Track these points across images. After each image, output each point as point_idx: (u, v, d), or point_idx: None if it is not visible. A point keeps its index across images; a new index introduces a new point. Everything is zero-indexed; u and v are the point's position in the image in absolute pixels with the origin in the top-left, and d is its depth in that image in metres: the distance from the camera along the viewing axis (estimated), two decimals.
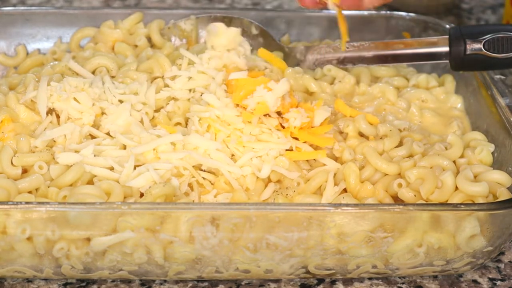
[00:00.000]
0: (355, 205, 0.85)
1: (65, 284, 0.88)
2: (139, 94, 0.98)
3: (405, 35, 1.15)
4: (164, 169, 0.88)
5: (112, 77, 1.03)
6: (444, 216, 0.83)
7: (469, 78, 1.06)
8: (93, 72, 1.04)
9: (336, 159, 0.94)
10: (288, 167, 0.92)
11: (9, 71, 1.12)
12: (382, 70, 1.10)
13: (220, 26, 1.01)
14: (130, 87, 0.99)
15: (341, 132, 0.97)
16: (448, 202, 0.87)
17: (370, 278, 0.89)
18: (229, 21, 1.11)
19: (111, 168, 0.89)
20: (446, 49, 1.01)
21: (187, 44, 1.14)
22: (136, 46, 1.13)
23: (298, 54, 1.10)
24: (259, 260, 0.84)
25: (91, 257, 0.83)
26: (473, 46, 0.97)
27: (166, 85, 1.01)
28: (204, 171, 0.91)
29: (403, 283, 0.89)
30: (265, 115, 0.94)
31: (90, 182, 0.88)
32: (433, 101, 1.05)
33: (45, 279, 0.88)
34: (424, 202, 0.88)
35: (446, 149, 0.94)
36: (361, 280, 0.89)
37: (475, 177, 0.90)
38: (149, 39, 1.14)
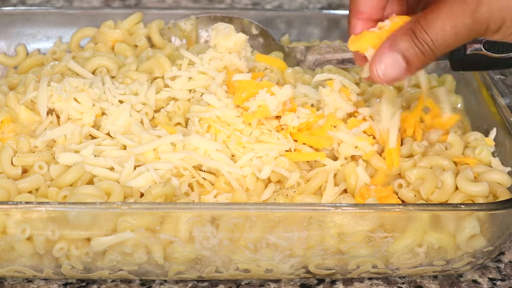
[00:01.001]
0: (355, 205, 0.86)
1: (65, 284, 0.88)
2: (139, 94, 0.98)
3: None
4: (164, 169, 0.88)
5: (112, 77, 1.03)
6: (444, 216, 0.83)
7: (469, 78, 1.06)
8: (93, 72, 1.04)
9: (335, 159, 0.94)
10: (288, 167, 0.92)
11: (9, 71, 1.12)
12: None
13: (231, 28, 1.00)
14: (130, 88, 0.99)
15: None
16: (448, 202, 0.87)
17: (370, 278, 0.89)
18: (229, 21, 1.11)
19: (111, 168, 0.89)
20: None
21: (187, 44, 1.14)
22: (136, 46, 1.13)
23: (298, 54, 1.10)
24: (259, 260, 0.84)
25: (91, 257, 0.83)
26: (473, 46, 0.97)
27: (166, 86, 1.01)
28: (204, 171, 0.91)
29: (403, 283, 0.89)
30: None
31: (90, 182, 0.88)
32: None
33: (45, 279, 0.88)
34: (424, 202, 0.88)
35: (446, 149, 0.94)
36: (361, 280, 0.89)
37: (475, 177, 0.90)
38: (149, 39, 1.14)
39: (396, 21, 0.82)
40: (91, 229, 0.81)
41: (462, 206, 0.83)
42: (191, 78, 1.00)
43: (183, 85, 1.00)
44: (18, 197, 0.85)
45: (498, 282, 0.90)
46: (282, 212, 0.82)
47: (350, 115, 0.96)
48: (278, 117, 0.94)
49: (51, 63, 1.06)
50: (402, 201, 0.89)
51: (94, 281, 0.88)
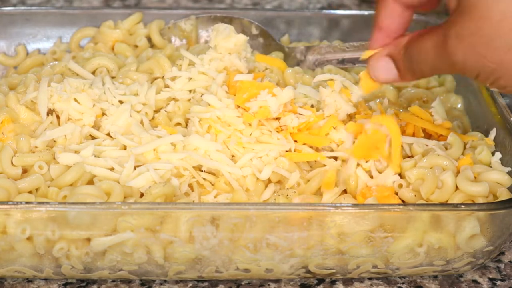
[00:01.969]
0: (355, 205, 0.85)
1: (65, 284, 0.88)
2: (139, 94, 0.98)
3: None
4: (164, 169, 0.88)
5: (112, 77, 1.03)
6: (444, 216, 0.83)
7: (469, 78, 1.06)
8: (93, 73, 1.04)
9: (335, 159, 0.94)
10: (288, 167, 0.92)
11: (9, 71, 1.12)
12: None
13: (231, 29, 1.00)
14: (130, 88, 0.99)
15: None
16: (448, 202, 0.87)
17: (370, 278, 0.89)
18: (229, 21, 1.11)
19: (111, 169, 0.89)
20: None
21: (187, 44, 1.14)
22: (136, 46, 1.13)
23: (298, 54, 1.10)
24: (259, 260, 0.84)
25: (91, 257, 0.83)
26: None
27: (166, 86, 1.01)
28: (204, 171, 0.91)
29: (403, 283, 0.89)
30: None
31: (90, 182, 0.88)
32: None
33: (45, 279, 0.88)
34: (424, 202, 0.88)
35: (446, 149, 0.94)
36: (361, 280, 0.89)
37: (475, 177, 0.90)
38: (149, 39, 1.14)
39: (374, 129, 0.89)
40: (91, 229, 0.81)
41: (462, 206, 0.83)
42: (191, 78, 1.00)
43: (183, 85, 1.00)
44: (18, 197, 0.85)
45: (498, 282, 0.90)
46: (282, 212, 0.82)
47: (350, 116, 0.96)
48: (278, 118, 0.94)
49: (51, 63, 1.06)
50: (402, 201, 0.89)
51: (94, 281, 0.88)
